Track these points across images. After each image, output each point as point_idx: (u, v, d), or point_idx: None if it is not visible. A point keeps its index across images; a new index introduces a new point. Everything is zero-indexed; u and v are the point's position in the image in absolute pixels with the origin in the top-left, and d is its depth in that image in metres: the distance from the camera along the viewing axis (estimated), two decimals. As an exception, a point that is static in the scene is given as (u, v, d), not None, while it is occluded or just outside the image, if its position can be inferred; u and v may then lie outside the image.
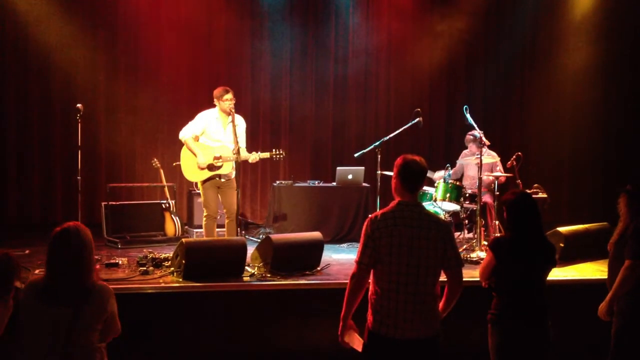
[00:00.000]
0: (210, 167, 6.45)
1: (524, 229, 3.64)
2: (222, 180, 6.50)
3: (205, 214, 6.56)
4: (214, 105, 6.54)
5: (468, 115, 6.88)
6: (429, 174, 7.64)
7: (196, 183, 6.87)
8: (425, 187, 7.16)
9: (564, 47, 10.07)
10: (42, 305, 2.93)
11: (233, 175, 6.53)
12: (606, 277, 4.31)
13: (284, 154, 6.58)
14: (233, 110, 6.35)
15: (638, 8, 9.79)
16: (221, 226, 6.78)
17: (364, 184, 8.17)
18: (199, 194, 8.04)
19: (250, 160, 6.46)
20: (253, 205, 9.50)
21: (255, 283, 5.54)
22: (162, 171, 8.01)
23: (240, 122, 6.55)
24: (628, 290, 3.98)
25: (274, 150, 6.58)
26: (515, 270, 3.61)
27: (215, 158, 6.42)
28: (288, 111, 9.58)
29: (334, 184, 8.20)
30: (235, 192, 6.36)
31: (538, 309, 3.62)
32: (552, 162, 10.10)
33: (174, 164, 7.15)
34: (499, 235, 6.83)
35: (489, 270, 3.68)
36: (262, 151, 6.63)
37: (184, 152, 6.58)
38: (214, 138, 6.50)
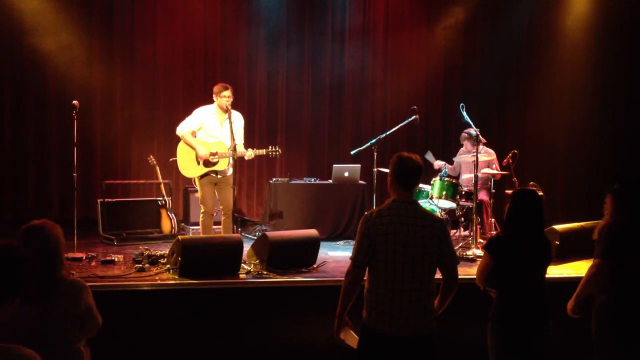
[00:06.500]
0: (206, 163, 6.45)
1: (520, 226, 3.63)
2: (219, 176, 6.50)
3: (202, 210, 6.57)
4: (212, 102, 6.54)
5: (464, 113, 6.88)
6: (428, 156, 7.66)
7: (194, 179, 6.87)
8: (421, 185, 7.16)
9: (561, 45, 10.06)
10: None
11: (230, 172, 6.52)
12: None
13: (279, 152, 6.58)
14: (229, 107, 6.35)
15: (635, 4, 9.79)
16: (218, 223, 6.78)
17: (360, 182, 8.17)
18: (195, 191, 8.05)
19: (246, 157, 6.45)
20: (249, 203, 9.49)
21: (252, 280, 5.54)
22: (158, 168, 7.99)
23: (238, 118, 6.54)
24: (602, 290, 3.91)
25: (270, 147, 6.58)
26: (513, 268, 3.61)
27: (212, 154, 6.42)
28: (284, 108, 9.57)
29: (330, 181, 8.19)
30: (232, 189, 6.36)
31: (539, 307, 3.62)
32: (548, 159, 10.11)
33: (170, 160, 7.15)
34: (494, 234, 6.86)
35: (487, 272, 3.66)
36: (258, 148, 6.63)
37: (180, 147, 6.57)
38: (210, 134, 6.50)
